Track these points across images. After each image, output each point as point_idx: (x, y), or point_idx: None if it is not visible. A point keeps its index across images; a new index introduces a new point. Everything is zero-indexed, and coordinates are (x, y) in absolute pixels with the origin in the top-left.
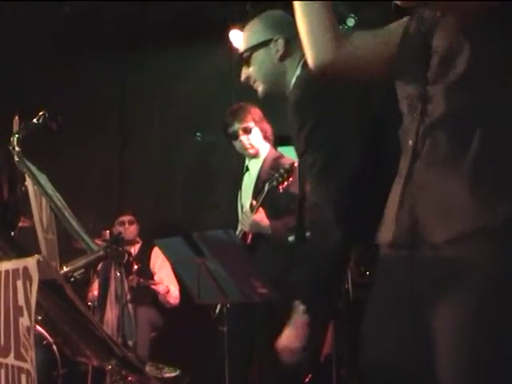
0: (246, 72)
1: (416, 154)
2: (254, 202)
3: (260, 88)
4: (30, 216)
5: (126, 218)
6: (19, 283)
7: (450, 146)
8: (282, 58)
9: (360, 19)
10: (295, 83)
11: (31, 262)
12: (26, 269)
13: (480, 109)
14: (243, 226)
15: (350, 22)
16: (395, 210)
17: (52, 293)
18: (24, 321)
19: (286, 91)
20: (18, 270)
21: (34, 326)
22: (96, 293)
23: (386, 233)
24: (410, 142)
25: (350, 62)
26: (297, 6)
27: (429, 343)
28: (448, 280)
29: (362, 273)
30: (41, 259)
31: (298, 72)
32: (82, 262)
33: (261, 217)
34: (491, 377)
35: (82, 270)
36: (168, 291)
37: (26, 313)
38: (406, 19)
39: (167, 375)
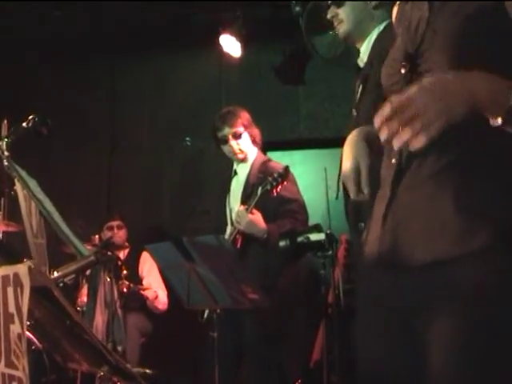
0: (333, 11)
1: (399, 174)
2: (243, 207)
3: (342, 29)
4: (19, 221)
5: (114, 223)
6: (10, 290)
7: (435, 168)
8: (376, 7)
9: None
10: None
11: (22, 269)
12: (16, 275)
13: (467, 132)
14: (238, 224)
15: None
16: (378, 230)
17: (43, 299)
18: (15, 328)
19: (363, 39)
20: (8, 276)
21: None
22: (85, 298)
23: (371, 251)
24: (394, 161)
25: None
26: None
27: (417, 356)
28: (431, 299)
29: (351, 279)
30: (32, 266)
31: (384, 24)
32: (72, 267)
33: (258, 218)
34: None
35: (73, 275)
36: (156, 297)
37: (17, 320)
38: None
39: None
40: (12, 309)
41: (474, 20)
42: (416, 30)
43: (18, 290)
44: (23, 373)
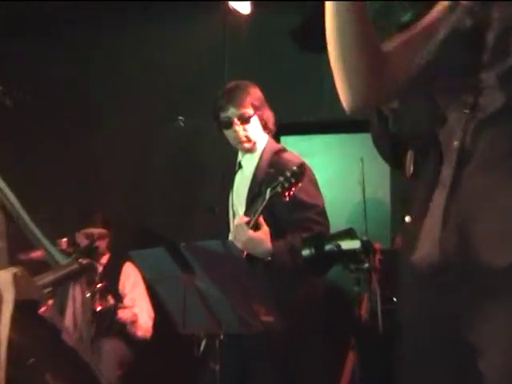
0: None
1: (463, 158)
2: (243, 219)
3: None
4: None
5: (95, 231)
6: None
7: (509, 147)
8: None
9: None
10: None
11: (3, 276)
12: None
13: None
14: (235, 241)
15: None
16: (438, 229)
17: (26, 316)
18: None
19: None
20: None
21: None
22: None
23: (426, 256)
24: (456, 144)
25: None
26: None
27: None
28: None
29: (388, 298)
30: (18, 273)
31: None
32: (50, 277)
33: (261, 236)
34: None
35: (50, 288)
36: (136, 320)
37: None
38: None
39: None
40: None
41: None
42: None
43: None
44: None
